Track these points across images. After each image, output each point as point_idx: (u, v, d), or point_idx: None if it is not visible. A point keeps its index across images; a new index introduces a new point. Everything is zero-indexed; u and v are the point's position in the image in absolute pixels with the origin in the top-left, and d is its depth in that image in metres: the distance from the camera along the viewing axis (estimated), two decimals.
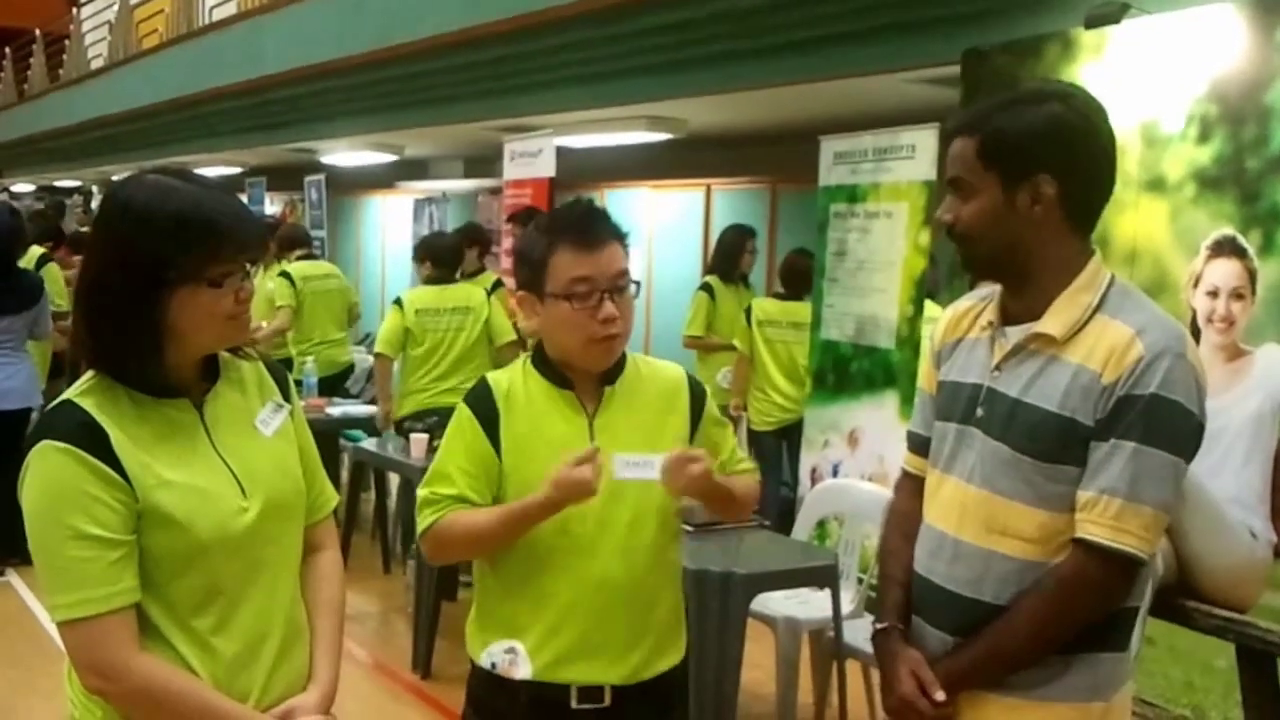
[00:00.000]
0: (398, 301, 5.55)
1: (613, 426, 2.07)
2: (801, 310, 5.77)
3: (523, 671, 2.04)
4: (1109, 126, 1.82)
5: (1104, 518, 1.72)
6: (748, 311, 6.03)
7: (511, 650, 2.06)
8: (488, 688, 2.10)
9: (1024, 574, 1.79)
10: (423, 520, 2.06)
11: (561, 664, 2.03)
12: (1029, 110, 1.79)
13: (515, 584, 2.06)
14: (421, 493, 2.09)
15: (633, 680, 2.06)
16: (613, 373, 2.10)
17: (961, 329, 1.97)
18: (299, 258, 7.06)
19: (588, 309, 1.99)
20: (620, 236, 2.06)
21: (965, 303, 2.01)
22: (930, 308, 4.78)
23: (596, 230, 2.03)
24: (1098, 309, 1.78)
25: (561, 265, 2.00)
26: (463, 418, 2.09)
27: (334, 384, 6.89)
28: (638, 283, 2.11)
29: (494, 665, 2.08)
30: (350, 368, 7.21)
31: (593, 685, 2.04)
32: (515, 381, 2.10)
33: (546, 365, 2.10)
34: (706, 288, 6.54)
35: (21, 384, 5.70)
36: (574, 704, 2.04)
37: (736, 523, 3.89)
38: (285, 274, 6.83)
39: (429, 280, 5.60)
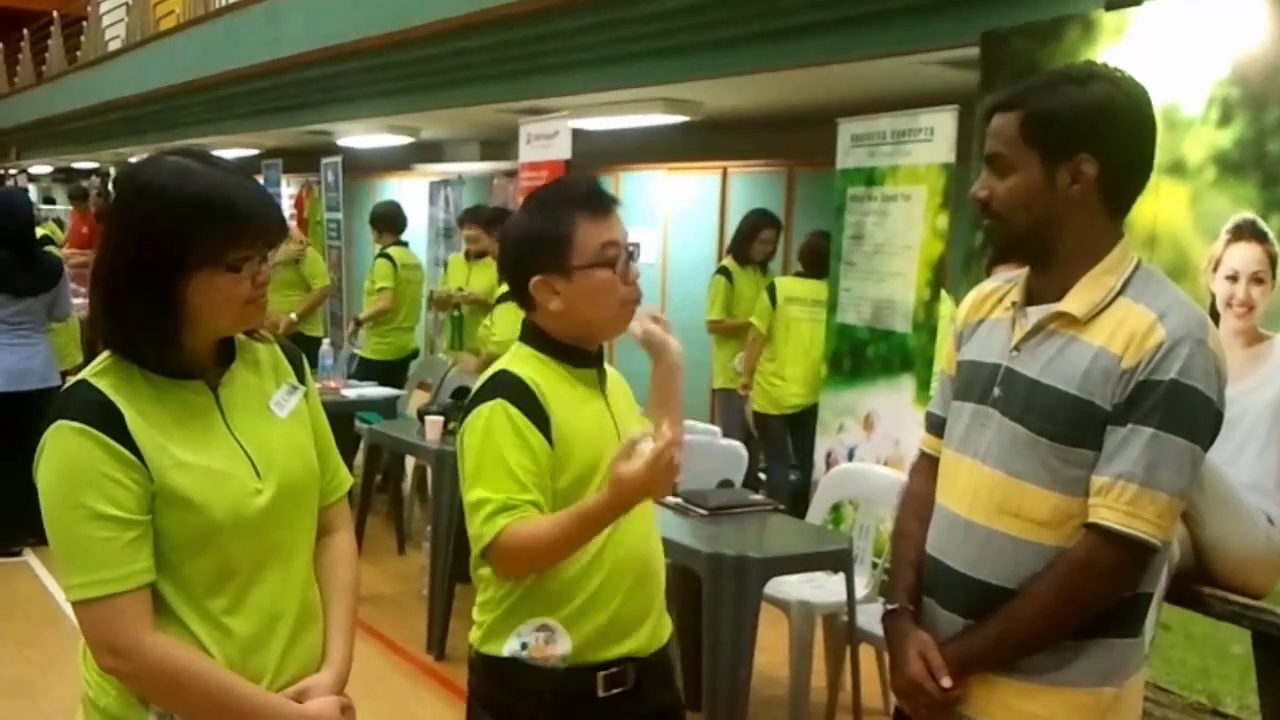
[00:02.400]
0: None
1: (616, 403, 2.11)
2: (823, 289, 5.80)
3: (561, 648, 1.98)
4: (1152, 112, 1.80)
5: (1118, 503, 1.71)
6: (771, 290, 6.02)
7: (546, 627, 1.98)
8: (507, 686, 2.02)
9: (1035, 557, 1.79)
10: (491, 526, 1.90)
11: (595, 639, 2.00)
12: (1076, 89, 1.77)
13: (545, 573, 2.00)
14: (492, 496, 1.92)
15: (649, 650, 2.08)
16: (601, 352, 2.13)
17: (984, 310, 1.96)
18: (392, 244, 7.24)
19: (620, 272, 2.02)
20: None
21: (990, 284, 2.00)
22: (944, 297, 4.76)
23: (606, 197, 2.08)
24: (1121, 292, 1.77)
25: (587, 234, 2.00)
26: (512, 416, 1.94)
27: (399, 369, 7.02)
28: (636, 244, 2.13)
29: (524, 646, 1.98)
30: (415, 353, 7.42)
31: (617, 663, 2.02)
32: (533, 370, 2.03)
33: (557, 348, 2.06)
34: (724, 271, 6.54)
35: (39, 365, 5.73)
36: (600, 692, 2.01)
37: (752, 507, 3.90)
38: (388, 255, 7.08)
39: None
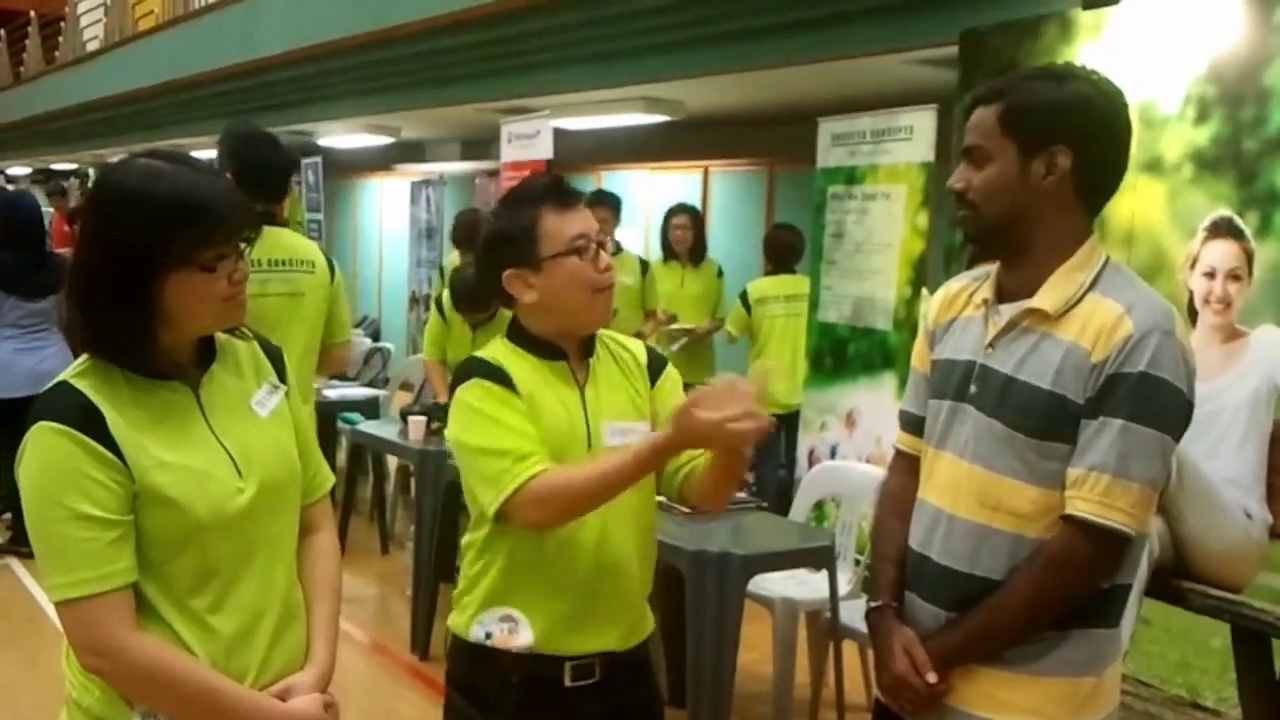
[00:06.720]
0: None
1: (600, 396, 2.11)
2: (793, 283, 5.84)
3: (523, 640, 2.02)
4: (1128, 114, 1.84)
5: (1092, 494, 1.74)
6: (744, 296, 6.05)
7: (509, 618, 2.03)
8: (476, 668, 2.07)
9: (1017, 549, 1.81)
10: (515, 477, 1.92)
11: (560, 633, 2.03)
12: (1055, 84, 1.82)
13: (514, 555, 2.04)
14: (507, 448, 1.94)
15: (622, 647, 2.09)
16: (591, 344, 2.15)
17: (955, 308, 1.98)
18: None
19: (589, 261, 2.05)
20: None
21: (958, 282, 2.02)
22: (924, 295, 4.78)
23: (572, 191, 2.13)
24: (1091, 287, 1.80)
25: (554, 226, 2.04)
26: (490, 389, 2.01)
27: None
28: (617, 241, 2.17)
29: (488, 635, 2.04)
30: None
31: (587, 657, 2.04)
32: (501, 356, 2.09)
33: (532, 341, 2.10)
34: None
35: (57, 367, 5.69)
36: (567, 682, 2.04)
37: (735, 504, 3.91)
38: None
39: None
